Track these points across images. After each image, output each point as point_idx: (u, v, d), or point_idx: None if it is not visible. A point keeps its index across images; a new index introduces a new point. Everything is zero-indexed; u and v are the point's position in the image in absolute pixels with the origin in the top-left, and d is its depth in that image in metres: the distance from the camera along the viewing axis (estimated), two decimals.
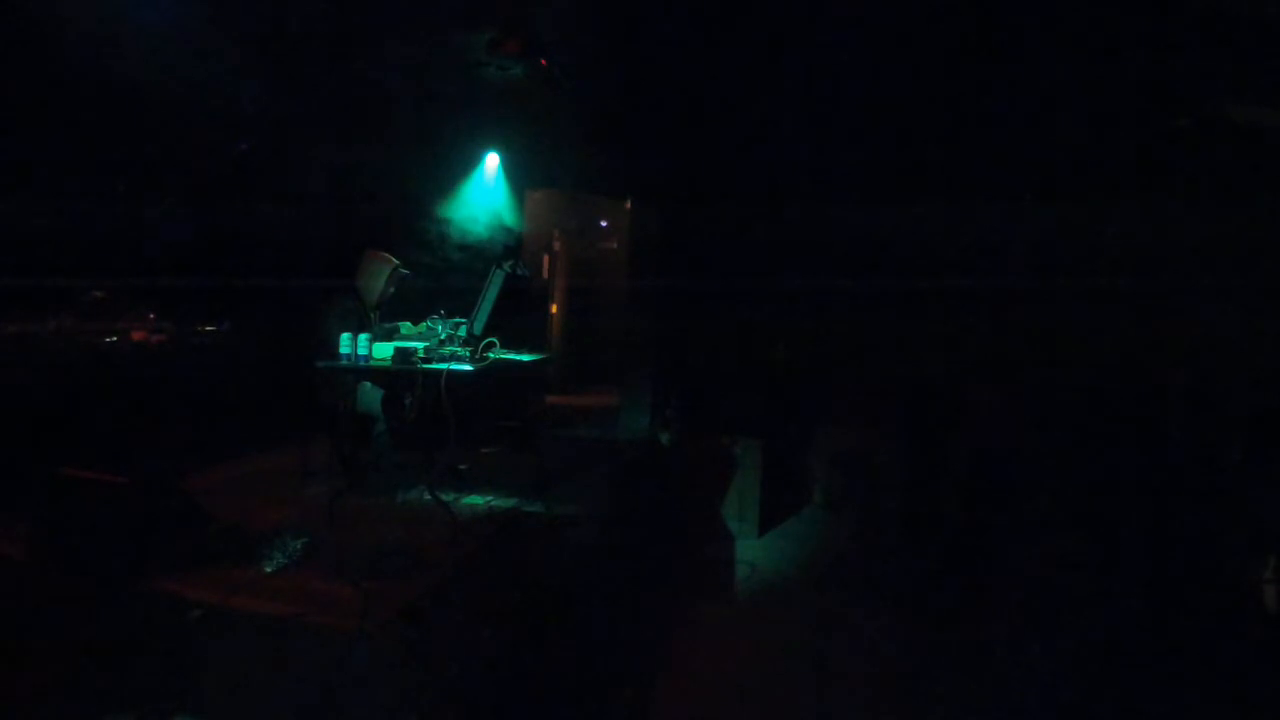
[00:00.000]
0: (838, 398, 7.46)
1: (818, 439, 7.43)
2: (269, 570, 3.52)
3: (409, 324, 5.09)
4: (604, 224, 10.46)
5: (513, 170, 8.59)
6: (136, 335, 5.69)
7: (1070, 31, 5.57)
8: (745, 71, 6.52)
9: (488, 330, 4.86)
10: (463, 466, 5.02)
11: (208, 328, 6.12)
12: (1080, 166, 6.61)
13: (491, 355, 4.79)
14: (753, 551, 6.26)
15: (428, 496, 4.51)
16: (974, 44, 5.80)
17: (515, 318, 5.08)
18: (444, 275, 7.26)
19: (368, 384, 4.86)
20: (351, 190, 6.67)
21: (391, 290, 5.05)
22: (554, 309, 9.76)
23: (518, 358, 5.03)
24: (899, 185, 7.12)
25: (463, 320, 4.94)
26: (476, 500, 4.72)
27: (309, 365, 4.71)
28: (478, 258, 7.90)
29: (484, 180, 8.44)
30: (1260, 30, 5.12)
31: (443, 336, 4.80)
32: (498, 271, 4.98)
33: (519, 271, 5.18)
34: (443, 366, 4.40)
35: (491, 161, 8.43)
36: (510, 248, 8.34)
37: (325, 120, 6.43)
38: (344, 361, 4.55)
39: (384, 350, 4.56)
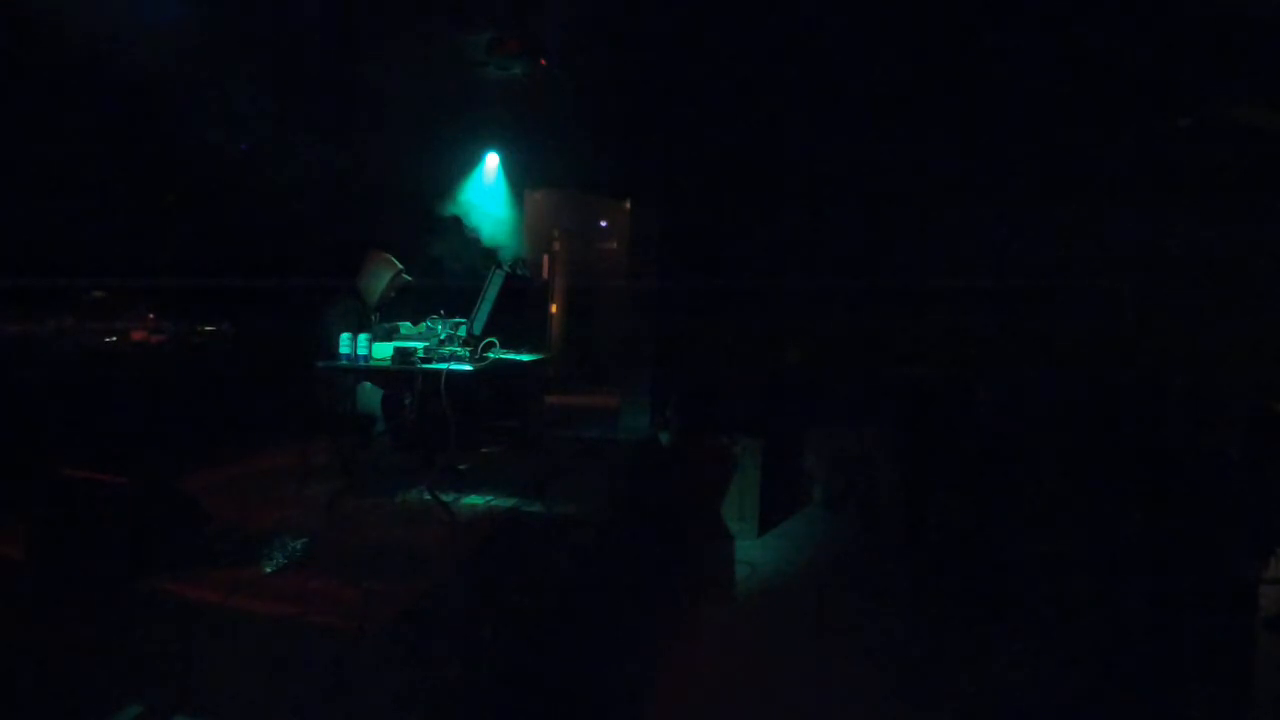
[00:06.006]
0: (837, 397, 7.46)
1: (818, 439, 7.43)
2: (269, 570, 3.52)
3: (409, 324, 5.10)
4: (604, 224, 10.45)
5: (513, 170, 8.59)
6: (136, 335, 5.69)
7: (1070, 31, 5.57)
8: (745, 71, 6.52)
9: (487, 330, 4.86)
10: (463, 466, 5.02)
11: (208, 328, 6.12)
12: (1081, 167, 6.61)
13: (491, 355, 4.78)
14: (753, 551, 6.26)
15: (428, 496, 4.51)
16: (975, 43, 5.80)
17: (515, 318, 5.07)
18: (443, 275, 7.26)
19: (368, 384, 4.86)
20: (351, 190, 6.67)
21: (392, 294, 5.06)
22: (554, 309, 9.75)
23: (518, 358, 5.03)
24: (899, 185, 7.12)
25: (463, 320, 4.94)
26: (476, 500, 4.72)
27: (309, 365, 4.71)
28: (477, 258, 7.90)
29: (484, 180, 8.44)
30: (1260, 30, 5.12)
31: (442, 336, 4.80)
32: (497, 272, 4.98)
33: (519, 271, 5.18)
34: (443, 366, 4.40)
35: (491, 161, 8.43)
36: (508, 249, 8.34)
37: (325, 120, 6.43)
38: (344, 361, 4.55)
39: (384, 350, 4.56)
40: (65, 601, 3.19)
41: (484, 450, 5.64)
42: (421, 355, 4.55)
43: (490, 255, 7.91)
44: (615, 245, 10.26)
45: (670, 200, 7.56)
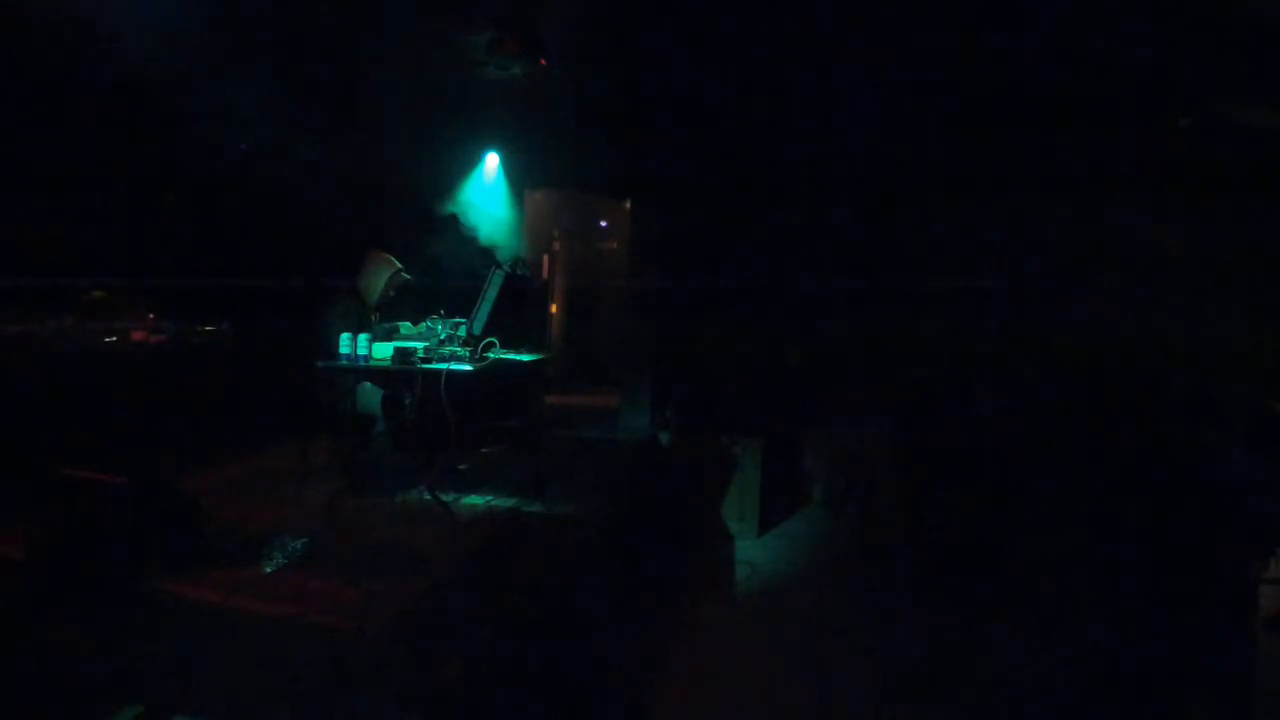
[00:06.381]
0: (837, 397, 7.46)
1: (818, 439, 7.43)
2: (269, 570, 3.52)
3: (409, 324, 5.10)
4: (604, 224, 10.46)
5: (513, 170, 8.59)
6: (136, 335, 5.68)
7: (1070, 31, 5.57)
8: (745, 71, 6.52)
9: (487, 330, 4.86)
10: (463, 466, 5.02)
11: (208, 328, 6.11)
12: (1081, 167, 6.61)
13: (491, 355, 4.79)
14: (753, 551, 6.26)
15: (428, 496, 4.51)
16: (974, 43, 5.80)
17: (515, 318, 5.08)
18: (443, 275, 7.27)
19: (368, 384, 4.86)
20: (351, 190, 6.67)
21: (392, 293, 5.06)
22: (554, 309, 9.75)
23: (518, 358, 5.03)
24: (899, 185, 7.12)
25: (463, 320, 4.94)
26: (476, 500, 4.72)
27: (309, 365, 4.71)
28: (475, 257, 7.90)
29: (484, 180, 8.44)
30: (1260, 30, 5.12)
31: (443, 336, 4.81)
32: (497, 272, 4.98)
33: (519, 271, 5.18)
34: (443, 366, 4.40)
35: (491, 161, 8.43)
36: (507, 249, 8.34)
37: (325, 120, 6.43)
38: (344, 361, 4.55)
39: (384, 350, 4.56)
40: (65, 601, 3.19)
41: (484, 450, 5.64)
42: (421, 355, 4.55)
43: (488, 254, 7.92)
44: (615, 245, 10.26)
45: (670, 200, 7.56)
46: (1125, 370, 6.27)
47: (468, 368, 4.49)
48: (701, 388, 7.51)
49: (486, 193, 8.46)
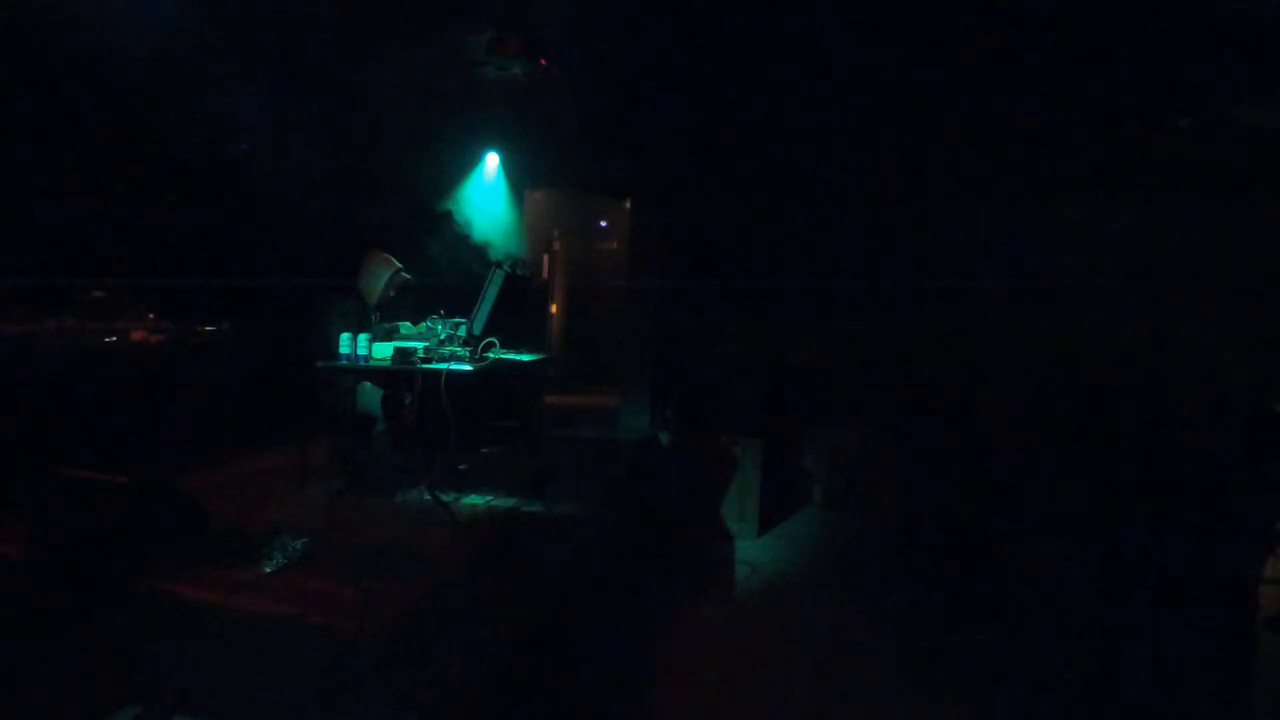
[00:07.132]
0: (838, 397, 7.46)
1: (818, 439, 7.43)
2: (269, 570, 3.52)
3: (409, 324, 5.10)
4: (604, 224, 10.46)
5: (513, 170, 8.59)
6: (136, 335, 5.69)
7: (1070, 31, 5.57)
8: (746, 70, 6.52)
9: (488, 330, 4.86)
10: (463, 466, 5.02)
11: (208, 328, 6.12)
12: (1081, 167, 6.61)
13: (491, 355, 4.79)
14: (753, 551, 6.26)
15: (428, 496, 4.51)
16: (974, 43, 5.80)
17: (515, 318, 5.08)
18: (443, 275, 7.27)
19: (368, 384, 4.87)
20: (351, 191, 6.67)
21: (392, 293, 5.06)
22: (554, 309, 9.75)
23: (518, 358, 5.03)
24: (899, 185, 7.12)
25: (463, 320, 4.94)
26: (476, 500, 4.72)
27: (309, 365, 4.71)
28: (472, 256, 7.90)
29: (484, 180, 8.43)
30: (1260, 30, 5.12)
31: (443, 336, 4.81)
32: (498, 271, 4.99)
33: (519, 271, 5.18)
34: (443, 366, 4.41)
35: (491, 161, 8.43)
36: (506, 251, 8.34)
37: (325, 121, 6.43)
38: (344, 361, 4.56)
39: (384, 350, 4.57)
40: (65, 601, 3.19)
41: (484, 450, 5.64)
42: (421, 355, 4.55)
43: (482, 253, 7.92)
44: (615, 245, 10.26)
45: (670, 200, 7.56)
46: (1125, 370, 6.27)
47: (468, 368, 4.49)
48: (701, 388, 7.51)
49: (486, 192, 8.46)
